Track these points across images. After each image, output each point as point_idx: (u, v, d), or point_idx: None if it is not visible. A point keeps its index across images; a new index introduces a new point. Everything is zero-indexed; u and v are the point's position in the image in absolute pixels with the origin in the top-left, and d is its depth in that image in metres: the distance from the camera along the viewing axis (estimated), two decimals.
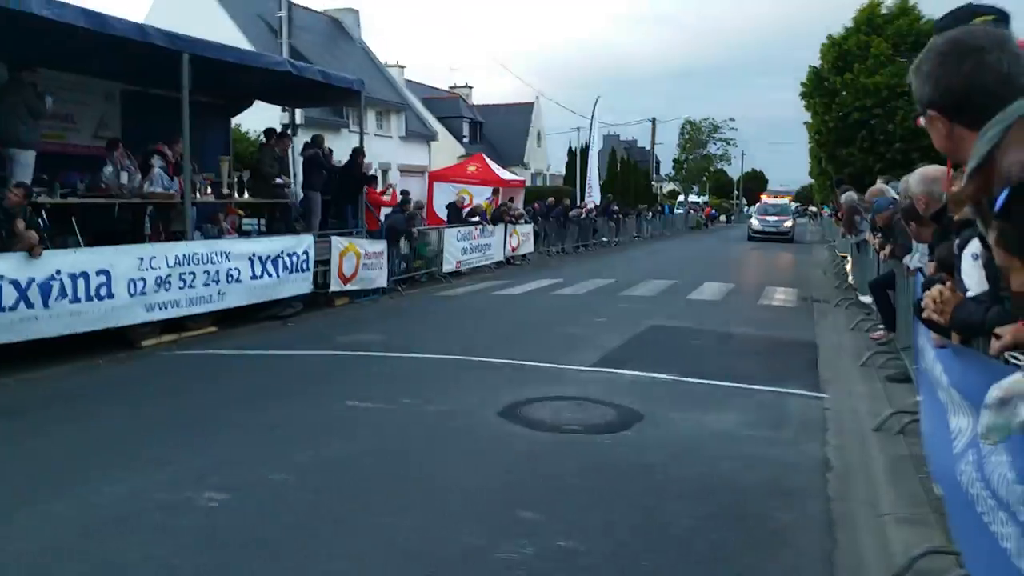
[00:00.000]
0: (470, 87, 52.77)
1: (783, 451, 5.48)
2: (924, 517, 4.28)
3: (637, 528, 4.10)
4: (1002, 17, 2.99)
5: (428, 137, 39.20)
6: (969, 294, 3.18)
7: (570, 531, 4.02)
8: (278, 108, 15.82)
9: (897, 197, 8.62)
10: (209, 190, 11.06)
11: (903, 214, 5.76)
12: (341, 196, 13.62)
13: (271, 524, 4.06)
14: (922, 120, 2.12)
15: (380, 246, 13.34)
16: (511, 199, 25.52)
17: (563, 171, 46.77)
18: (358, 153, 13.63)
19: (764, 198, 48.65)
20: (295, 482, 4.67)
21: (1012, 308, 2.07)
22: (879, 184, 9.88)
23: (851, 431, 6.03)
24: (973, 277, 3.16)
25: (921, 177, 4.76)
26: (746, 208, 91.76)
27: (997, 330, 2.65)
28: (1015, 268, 1.61)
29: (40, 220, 8.25)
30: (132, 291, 8.53)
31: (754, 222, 37.23)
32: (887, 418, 6.11)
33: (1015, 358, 2.47)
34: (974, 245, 3.28)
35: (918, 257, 5.78)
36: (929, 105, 2.05)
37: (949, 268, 3.67)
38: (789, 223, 36.08)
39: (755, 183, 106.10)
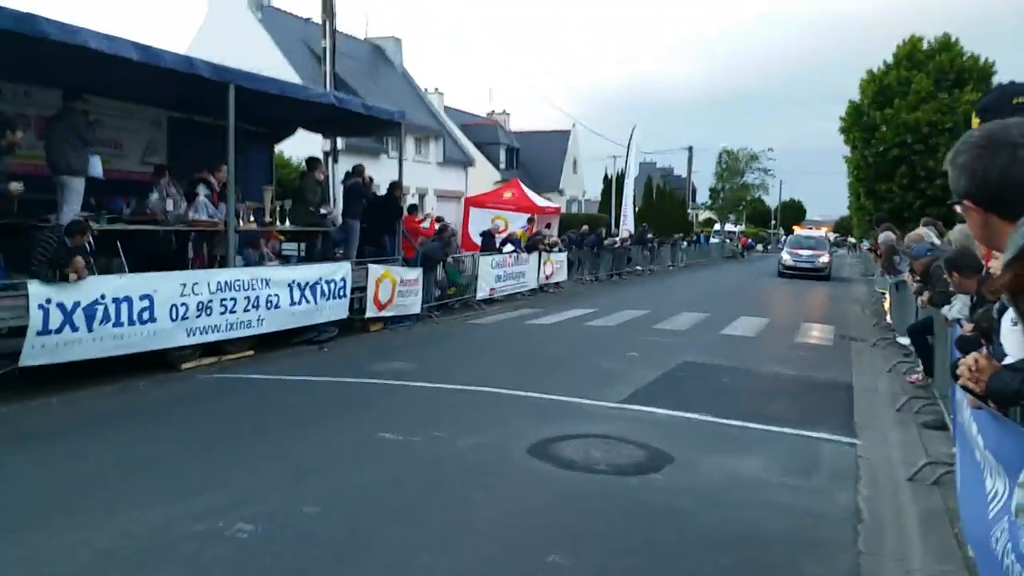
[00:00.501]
0: (508, 114, 53.18)
1: (813, 500, 5.43)
2: (955, 575, 4.22)
3: None
4: None
5: (465, 163, 39.58)
6: (1008, 359, 3.17)
7: None
8: (319, 135, 16.11)
9: (937, 243, 8.56)
10: (252, 218, 11.29)
11: (946, 264, 5.72)
12: (379, 226, 13.81)
13: (300, 559, 4.12)
14: (958, 208, 2.16)
15: (415, 273, 13.49)
16: (547, 226, 25.64)
17: (599, 198, 46.89)
18: (395, 187, 13.83)
19: (797, 229, 45.08)
20: (325, 515, 4.74)
21: None
22: (920, 229, 9.80)
23: (884, 480, 5.96)
24: (1012, 342, 3.14)
25: (963, 232, 4.74)
26: (783, 237, 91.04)
27: None
28: None
29: (87, 245, 8.49)
30: (174, 316, 8.74)
31: (785, 256, 32.69)
32: (921, 468, 6.03)
33: None
34: (1012, 312, 3.27)
35: (957, 308, 5.73)
36: (965, 196, 2.09)
37: (987, 333, 3.65)
38: (825, 259, 31.63)
39: (793, 213, 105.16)
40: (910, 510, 5.31)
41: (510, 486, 5.46)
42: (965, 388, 3.23)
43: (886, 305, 15.65)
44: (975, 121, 3.12)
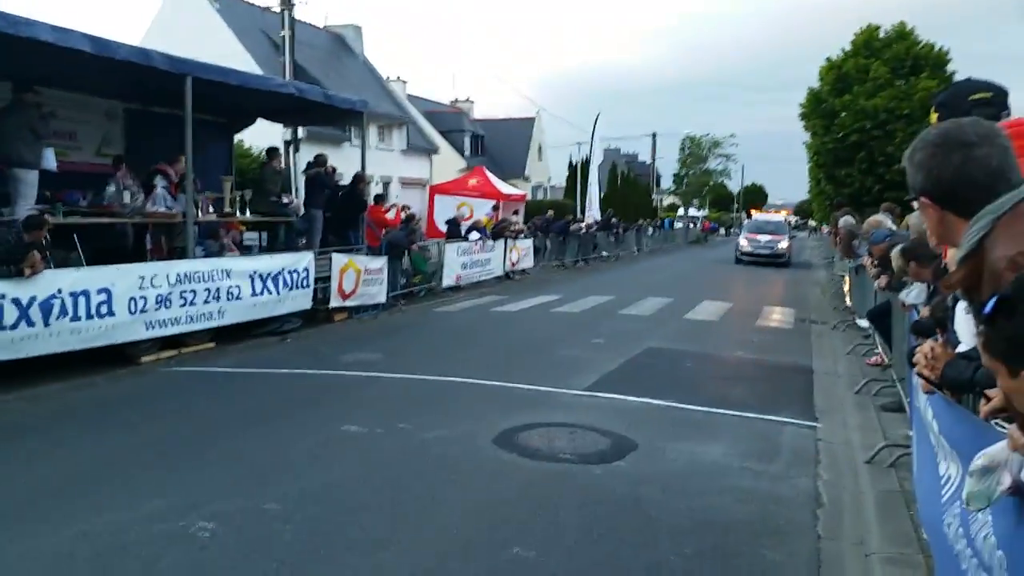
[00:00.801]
0: (472, 101, 52.95)
1: (775, 485, 5.51)
2: (911, 558, 4.32)
3: (626, 568, 4.13)
4: (998, 93, 3.06)
5: (429, 151, 39.37)
6: (961, 347, 3.23)
7: (559, 570, 4.05)
8: (280, 124, 15.90)
9: (894, 228, 8.70)
10: (211, 208, 11.12)
11: (902, 253, 5.81)
12: (343, 219, 13.67)
13: (262, 558, 4.08)
14: (915, 204, 2.20)
15: (380, 262, 13.40)
16: (514, 212, 25.64)
17: (564, 184, 46.94)
18: (359, 179, 13.70)
19: (756, 213, 41.95)
20: (288, 512, 4.70)
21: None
22: (878, 215, 9.94)
23: (844, 463, 6.07)
24: (965, 331, 3.21)
25: (919, 220, 4.80)
26: (745, 221, 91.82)
27: (988, 392, 2.70)
28: (1000, 373, 1.66)
29: (44, 238, 8.30)
30: (133, 309, 8.59)
31: (743, 242, 31.35)
32: (879, 450, 6.15)
33: (1000, 425, 2.52)
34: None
35: (915, 293, 5.83)
36: (921, 193, 2.13)
37: (942, 322, 3.72)
38: (785, 244, 30.62)
39: (755, 196, 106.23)
40: (868, 493, 5.42)
41: (475, 478, 5.46)
42: (920, 375, 3.29)
43: (846, 288, 15.90)
44: (932, 116, 3.16)
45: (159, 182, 10.19)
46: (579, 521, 4.72)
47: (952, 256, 3.63)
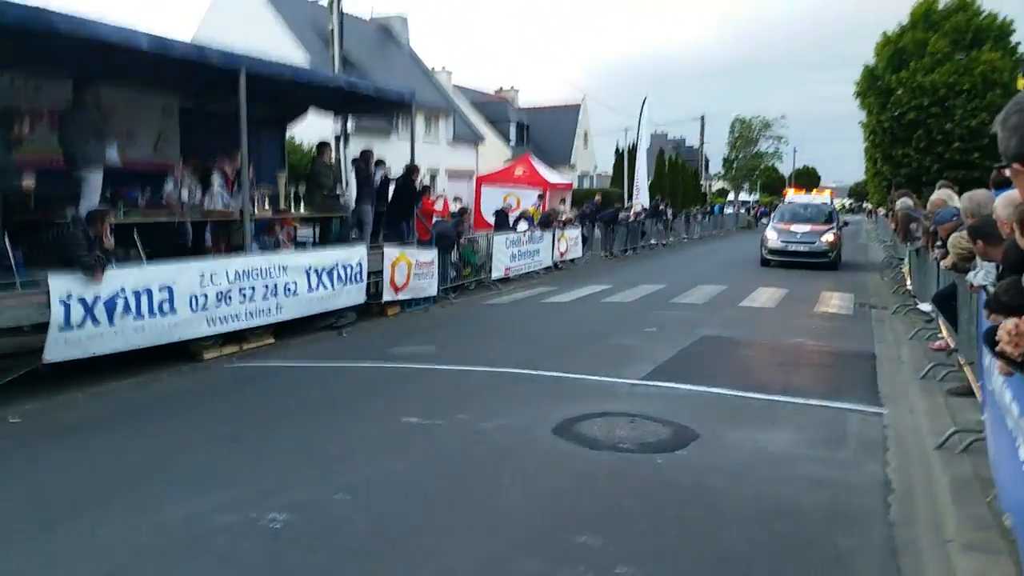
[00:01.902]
0: (516, 90, 52.88)
1: (843, 472, 5.41)
2: (992, 543, 4.19)
3: (695, 554, 4.10)
4: None
5: (475, 140, 39.43)
6: None
7: (628, 556, 4.03)
8: (330, 118, 16.04)
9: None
10: (267, 204, 11.28)
11: (971, 232, 5.63)
12: (396, 211, 13.78)
13: (333, 548, 4.14)
14: (1007, 171, 2.10)
15: (431, 255, 13.47)
16: (561, 201, 25.54)
17: (611, 172, 46.64)
18: (412, 170, 13.78)
19: (791, 194, 29.14)
20: (356, 502, 4.76)
21: None
22: (942, 192, 9.64)
23: (913, 450, 5.92)
24: None
25: (1006, 201, 4.65)
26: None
27: None
28: None
29: (110, 232, 8.49)
30: (194, 306, 8.74)
31: (770, 235, 22.35)
32: (949, 436, 5.98)
33: None
34: None
35: (983, 275, 5.65)
36: (1016, 158, 2.03)
37: (1009, 307, 3.59)
38: (829, 236, 21.61)
39: (808, 179, 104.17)
40: (940, 479, 5.27)
41: (537, 467, 5.45)
42: (1002, 354, 3.19)
43: (906, 271, 15.51)
44: (1020, 81, 3.05)
45: (216, 179, 10.36)
46: (644, 510, 4.69)
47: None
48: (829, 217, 23.58)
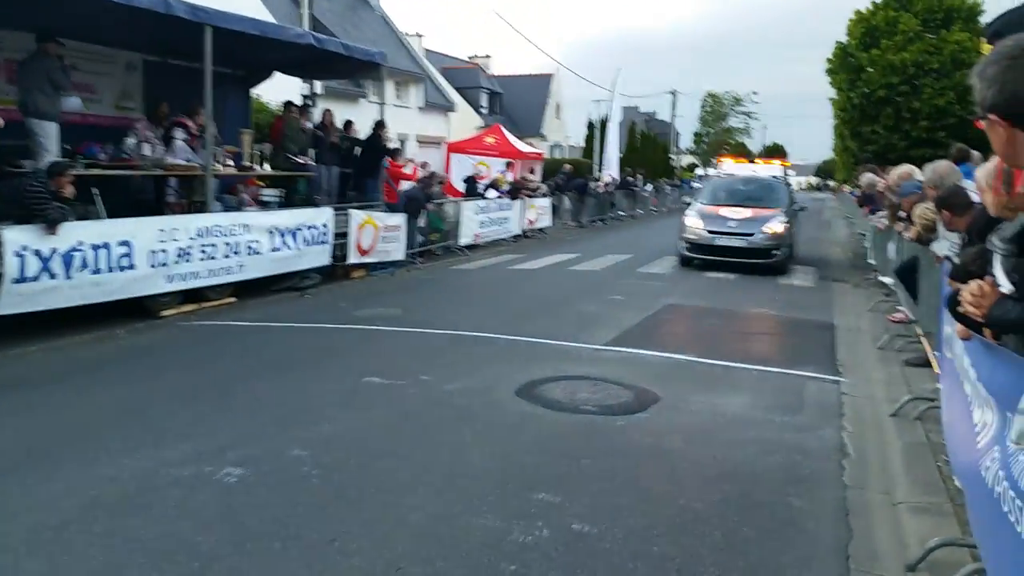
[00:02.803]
0: (489, 57, 52.30)
1: (799, 436, 5.48)
2: (940, 506, 4.28)
3: (651, 513, 4.13)
4: None
5: (446, 108, 38.99)
6: (1000, 291, 3.15)
7: (585, 515, 4.05)
8: (298, 79, 15.75)
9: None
10: (230, 162, 11.07)
11: (937, 202, 5.69)
12: (363, 169, 13.61)
13: (289, 503, 4.11)
14: (982, 123, 2.08)
15: (398, 219, 13.35)
16: (531, 171, 25.45)
17: (582, 143, 46.50)
18: (379, 126, 13.58)
19: (726, 163, 21.86)
20: (312, 459, 4.72)
21: None
22: (906, 166, 9.73)
23: (868, 416, 6.02)
24: (1003, 276, 3.12)
25: (989, 172, 4.67)
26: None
27: None
28: None
29: (66, 186, 8.28)
30: (153, 262, 8.60)
31: (692, 222, 15.53)
32: (904, 403, 6.09)
33: None
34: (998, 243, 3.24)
35: (947, 245, 5.72)
36: (991, 109, 2.01)
37: (976, 276, 3.62)
38: (776, 226, 14.83)
39: (776, 156, 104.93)
40: (894, 444, 5.38)
41: (499, 428, 5.45)
42: (963, 316, 3.22)
43: (868, 246, 15.71)
44: (985, 47, 3.05)
45: (178, 134, 10.13)
46: (603, 470, 4.72)
47: (988, 198, 3.52)
48: (779, 197, 16.11)
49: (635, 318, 9.61)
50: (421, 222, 15.70)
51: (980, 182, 4.76)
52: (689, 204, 17.43)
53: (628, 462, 4.86)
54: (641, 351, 7.88)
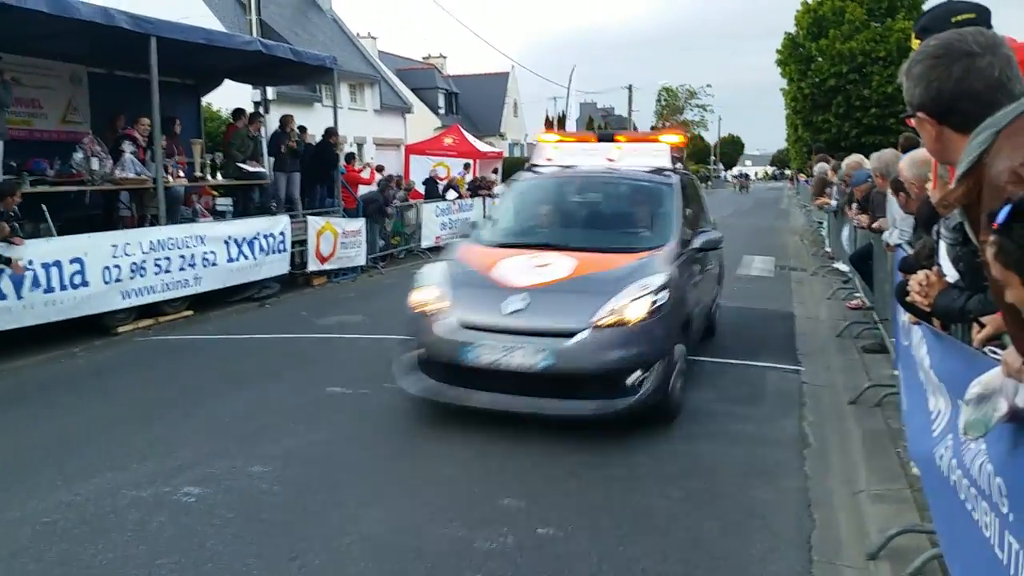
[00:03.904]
0: (444, 57, 52.17)
1: (761, 428, 5.53)
2: (900, 493, 4.35)
3: (616, 513, 4.13)
4: (981, 13, 2.97)
5: (403, 109, 38.80)
6: (946, 280, 3.21)
7: (550, 518, 4.04)
8: (249, 86, 15.57)
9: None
10: (181, 173, 10.89)
11: (893, 185, 5.77)
12: (313, 175, 13.45)
13: (250, 520, 4.05)
14: (913, 121, 2.11)
15: (357, 224, 13.24)
16: (493, 171, 25.38)
17: None
18: (330, 133, 13.43)
19: (551, 146, 7.91)
20: (273, 474, 4.66)
21: (1004, 320, 2.08)
22: (857, 156, 9.90)
23: (828, 405, 6.10)
24: (948, 265, 3.18)
25: (910, 162, 4.76)
26: (723, 173, 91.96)
27: (983, 319, 2.68)
28: (1012, 284, 1.61)
29: (14, 209, 8.09)
30: (107, 278, 8.44)
31: (425, 299, 5.76)
32: (864, 391, 6.18)
33: (993, 351, 2.50)
34: (944, 233, 3.30)
35: (897, 234, 5.81)
36: (919, 108, 2.04)
37: (926, 265, 3.69)
38: (637, 309, 5.29)
39: (732, 147, 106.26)
40: (854, 433, 5.45)
41: (462, 434, 5.41)
42: (911, 305, 3.27)
43: (825, 234, 15.95)
44: (915, 42, 3.09)
45: (127, 147, 9.93)
46: (568, 470, 4.72)
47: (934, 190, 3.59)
48: (661, 223, 6.62)
49: None
50: (387, 225, 15.67)
51: (907, 177, 4.85)
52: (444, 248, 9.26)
53: (593, 462, 4.86)
54: None
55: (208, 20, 24.74)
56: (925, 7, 28.57)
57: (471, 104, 49.83)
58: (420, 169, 24.48)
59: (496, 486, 4.47)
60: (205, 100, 15.25)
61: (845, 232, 10.56)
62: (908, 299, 3.33)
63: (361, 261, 13.31)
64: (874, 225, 7.15)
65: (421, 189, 20.93)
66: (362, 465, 4.84)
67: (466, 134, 27.84)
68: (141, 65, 9.58)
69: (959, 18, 2.91)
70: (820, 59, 28.45)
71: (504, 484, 4.50)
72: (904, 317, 4.77)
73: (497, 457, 4.95)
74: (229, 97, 15.79)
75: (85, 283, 8.19)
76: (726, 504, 4.25)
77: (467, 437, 5.34)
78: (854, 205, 8.56)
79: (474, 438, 5.31)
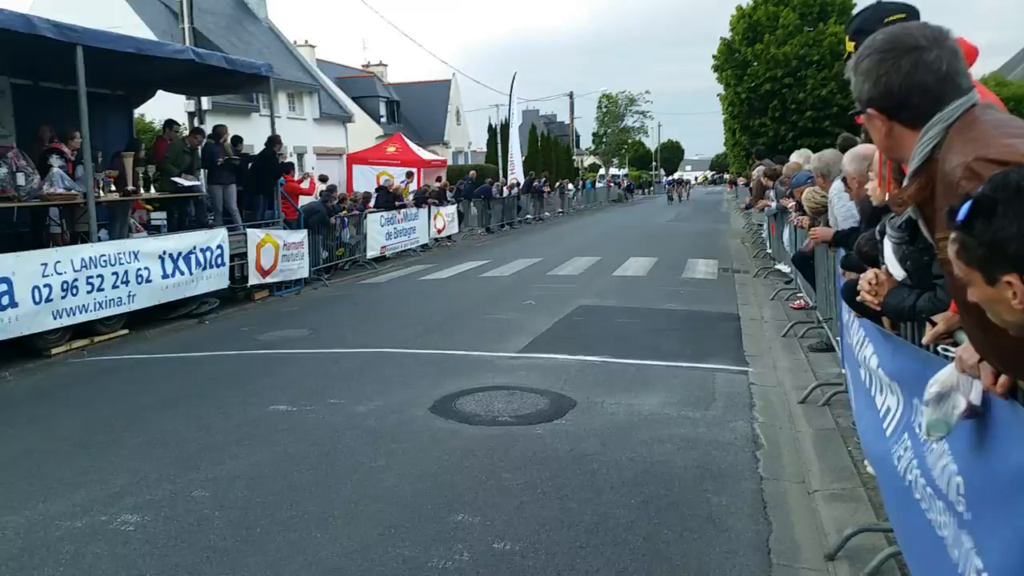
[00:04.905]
0: (384, 65, 51.82)
1: (713, 430, 5.52)
2: (854, 492, 4.35)
3: (573, 524, 4.05)
4: (912, 13, 2.99)
5: (344, 118, 38.39)
6: (895, 280, 3.21)
7: (506, 532, 3.94)
8: (183, 96, 15.18)
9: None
10: (113, 187, 10.52)
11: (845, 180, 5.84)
12: (255, 186, 13.12)
13: (191, 548, 3.85)
14: (862, 117, 2.08)
15: (300, 236, 12.99)
16: (437, 179, 25.25)
17: (485, 148, 46.57)
18: (274, 142, 13.15)
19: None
20: (214, 499, 4.46)
21: (961, 318, 2.07)
22: (797, 157, 10.03)
23: (778, 405, 6.12)
24: (895, 263, 3.19)
25: (852, 156, 4.78)
26: (665, 178, 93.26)
27: (933, 317, 2.67)
28: (975, 282, 1.58)
29: None
30: (37, 298, 8.09)
31: None
32: (811, 390, 6.22)
33: (945, 349, 2.49)
34: (889, 231, 3.31)
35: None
36: (868, 103, 2.00)
37: (870, 257, 3.70)
38: None
39: (672, 153, 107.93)
40: (805, 432, 5.47)
41: (413, 448, 5.29)
42: (859, 305, 3.27)
43: (765, 236, 16.20)
44: (849, 45, 3.09)
45: (55, 161, 9.55)
46: (523, 482, 4.62)
47: (872, 186, 3.60)
48: None
49: (548, 322, 9.58)
50: (346, 236, 15.45)
51: (850, 172, 4.90)
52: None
53: (547, 472, 4.78)
54: (556, 355, 7.84)
55: (140, 30, 24.12)
56: (855, 11, 29.55)
57: (413, 112, 49.60)
58: (363, 179, 24.23)
59: (449, 502, 4.35)
60: (138, 112, 14.81)
61: (786, 233, 10.71)
62: (858, 298, 3.33)
63: (304, 274, 13.06)
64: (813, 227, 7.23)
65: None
66: (308, 485, 4.67)
67: (409, 142, 27.70)
68: (69, 76, 9.22)
69: (891, 19, 2.92)
70: (755, 64, 29.04)
71: (457, 500, 4.38)
72: (845, 316, 4.82)
73: (449, 471, 4.84)
74: (163, 108, 15.38)
75: (14, 303, 7.83)
76: (683, 510, 4.20)
77: (416, 452, 5.21)
78: (792, 203, 8.68)
79: (422, 454, 5.19)
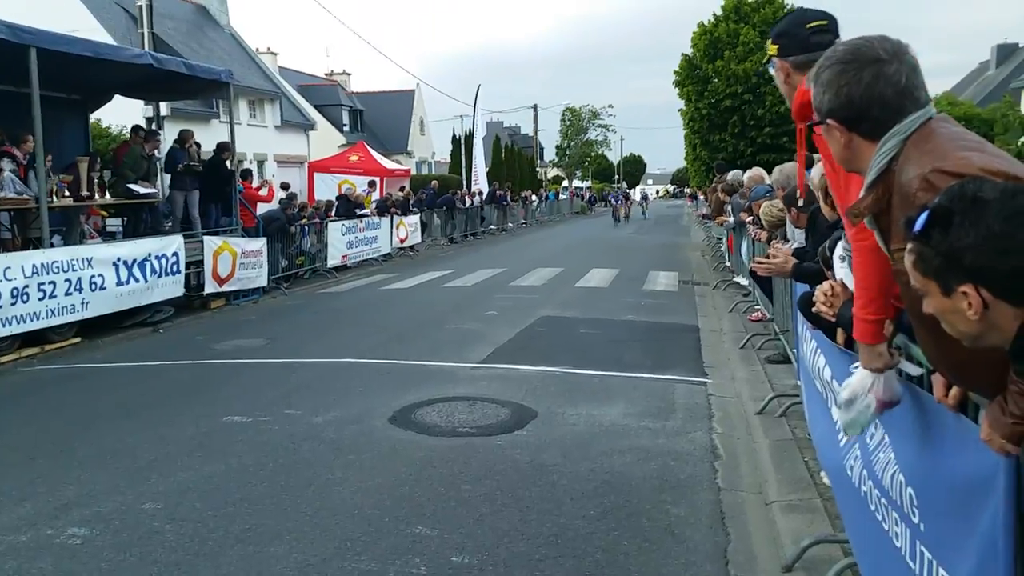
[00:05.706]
0: (348, 74, 51.54)
1: (672, 441, 5.54)
2: (810, 503, 4.40)
3: (532, 536, 4.03)
4: (832, 21, 3.05)
5: (306, 126, 38.10)
6: (850, 291, 3.25)
7: (465, 544, 3.90)
8: (141, 101, 14.92)
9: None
10: (67, 192, 10.29)
11: (785, 201, 5.92)
12: (206, 194, 12.88)
13: (142, 562, 3.75)
14: (821, 128, 2.10)
15: (258, 244, 12.83)
16: (400, 189, 25.14)
17: (448, 159, 46.51)
18: (223, 148, 12.95)
19: None
20: (166, 512, 4.35)
21: (915, 330, 2.11)
22: (757, 171, 10.17)
23: (736, 416, 6.17)
24: (844, 275, 3.23)
25: (820, 170, 4.86)
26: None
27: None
28: (931, 293, 1.59)
29: None
30: None
31: None
32: (768, 401, 6.29)
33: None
34: (840, 248, 3.37)
35: (794, 246, 5.93)
36: (828, 115, 2.02)
37: (828, 264, 3.76)
38: None
39: (635, 166, 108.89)
40: (762, 443, 5.51)
41: (371, 459, 5.23)
42: (815, 317, 3.31)
43: (723, 249, 16.39)
44: (772, 47, 3.14)
45: (5, 164, 9.31)
46: (483, 494, 4.59)
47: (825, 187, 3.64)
48: None
49: (510, 333, 9.57)
50: (307, 245, 15.26)
51: (817, 184, 4.97)
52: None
53: (507, 483, 4.75)
54: (518, 366, 7.83)
55: (98, 33, 23.67)
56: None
57: (377, 121, 49.38)
58: (325, 187, 24.01)
59: (407, 513, 4.30)
60: (94, 116, 14.54)
61: (744, 246, 10.84)
62: (814, 309, 3.37)
63: (263, 282, 12.90)
64: (773, 241, 7.33)
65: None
66: (263, 498, 4.58)
67: (372, 151, 27.54)
68: (23, 78, 9.01)
69: (812, 25, 2.99)
70: (716, 80, 29.49)
71: (415, 512, 4.33)
72: (800, 328, 4.87)
73: (407, 483, 4.78)
74: (120, 113, 15.12)
75: None
76: (642, 521, 4.20)
77: (373, 464, 5.15)
78: (750, 218, 8.79)
79: (380, 465, 5.13)
